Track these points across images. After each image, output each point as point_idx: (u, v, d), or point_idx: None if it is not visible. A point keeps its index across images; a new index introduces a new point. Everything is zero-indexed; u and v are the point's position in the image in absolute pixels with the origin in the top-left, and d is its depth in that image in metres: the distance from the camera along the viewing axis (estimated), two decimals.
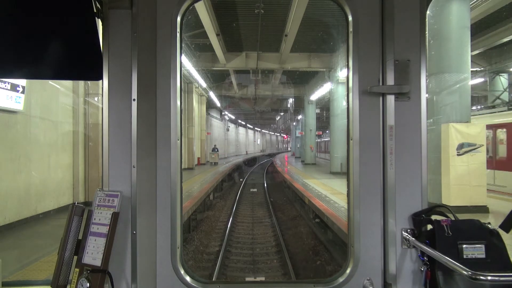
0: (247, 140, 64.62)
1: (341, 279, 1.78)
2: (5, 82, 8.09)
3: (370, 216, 1.77)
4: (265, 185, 21.87)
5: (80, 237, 1.65)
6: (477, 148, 8.97)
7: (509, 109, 14.18)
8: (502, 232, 1.54)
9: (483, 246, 1.53)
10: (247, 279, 7.37)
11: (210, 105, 33.31)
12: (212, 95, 28.35)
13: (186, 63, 16.62)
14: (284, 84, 26.98)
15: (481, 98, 24.54)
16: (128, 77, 1.74)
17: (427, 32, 1.92)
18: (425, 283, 1.62)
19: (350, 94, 1.80)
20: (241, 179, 24.98)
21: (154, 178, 1.80)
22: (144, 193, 1.77)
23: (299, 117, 38.48)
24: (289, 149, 70.34)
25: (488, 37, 16.01)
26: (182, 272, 1.81)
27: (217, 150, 30.09)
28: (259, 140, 76.30)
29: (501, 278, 1.23)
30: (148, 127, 1.79)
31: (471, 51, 11.79)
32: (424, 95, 1.75)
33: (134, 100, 1.74)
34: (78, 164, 10.99)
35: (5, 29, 1.46)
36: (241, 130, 59.14)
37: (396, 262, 1.73)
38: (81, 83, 10.86)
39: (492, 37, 15.92)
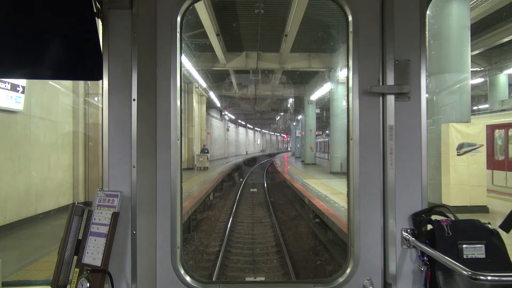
0: (247, 140, 64.60)
1: (341, 279, 1.78)
2: (5, 82, 8.09)
3: (370, 216, 1.77)
4: (265, 185, 21.88)
5: (80, 237, 1.64)
6: (477, 148, 8.98)
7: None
8: (502, 232, 1.54)
9: (483, 246, 1.53)
10: (247, 279, 7.37)
11: (210, 105, 33.28)
12: (212, 95, 28.33)
13: (186, 63, 16.62)
14: (284, 84, 26.95)
15: (481, 98, 24.53)
16: (128, 77, 1.74)
17: (427, 32, 1.92)
18: (425, 283, 1.62)
19: (350, 94, 1.80)
20: (241, 179, 24.97)
21: (154, 178, 1.80)
22: (144, 193, 1.77)
23: (299, 117, 38.48)
24: (289, 149, 70.35)
25: (488, 37, 16.02)
26: (182, 272, 1.81)
27: (207, 151, 24.64)
28: (259, 140, 76.27)
29: (501, 278, 1.23)
30: (148, 127, 1.79)
31: (471, 51, 11.79)
32: (424, 95, 1.75)
33: (134, 100, 1.74)
34: (78, 164, 10.99)
35: (5, 29, 1.46)
36: (241, 130, 59.12)
37: (396, 262, 1.73)
38: (81, 83, 10.86)
39: (492, 37, 15.93)
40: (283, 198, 17.57)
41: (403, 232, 1.73)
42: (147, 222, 1.79)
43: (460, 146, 8.94)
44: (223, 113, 41.10)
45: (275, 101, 34.56)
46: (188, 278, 1.81)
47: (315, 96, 26.63)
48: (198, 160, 23.64)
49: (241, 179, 24.96)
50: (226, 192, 19.88)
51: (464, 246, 1.54)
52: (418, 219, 1.70)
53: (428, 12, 1.90)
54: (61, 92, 10.74)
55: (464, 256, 1.53)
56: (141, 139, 1.76)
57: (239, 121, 53.52)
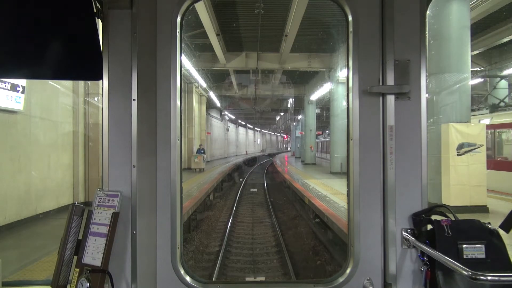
0: (247, 140, 64.61)
1: (341, 279, 1.78)
2: (5, 82, 8.09)
3: (370, 216, 1.77)
4: (265, 185, 21.87)
5: (80, 237, 1.65)
6: (477, 148, 8.98)
7: None
8: (502, 232, 1.54)
9: (483, 246, 1.53)
10: (247, 279, 7.37)
11: (210, 105, 33.28)
12: (212, 95, 28.34)
13: (186, 63, 16.61)
14: (284, 84, 26.94)
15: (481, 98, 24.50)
16: (128, 77, 1.74)
17: (427, 32, 1.92)
18: (425, 283, 1.62)
19: (350, 94, 1.80)
20: (241, 179, 24.97)
21: (154, 178, 1.80)
22: (144, 193, 1.77)
23: (299, 117, 38.48)
24: (289, 149, 70.35)
25: (488, 37, 16.01)
26: (182, 272, 1.81)
27: (204, 152, 22.98)
28: (259, 140, 76.29)
29: (501, 278, 1.23)
30: (148, 127, 1.79)
31: (471, 51, 11.78)
32: (424, 95, 1.75)
33: (134, 100, 1.74)
34: (78, 164, 11.00)
35: (5, 29, 1.46)
36: (241, 130, 59.12)
37: (396, 262, 1.73)
38: (81, 83, 10.86)
39: (492, 37, 15.92)
40: (283, 198, 17.56)
41: (403, 232, 1.73)
42: (147, 222, 1.79)
43: (460, 146, 8.94)
44: (223, 113, 41.10)
45: (275, 101, 34.56)
46: (188, 278, 1.81)
47: (315, 96, 26.62)
48: (194, 161, 22.39)
49: (241, 179, 24.96)
50: (226, 192, 19.87)
51: (464, 246, 1.54)
52: (418, 219, 1.70)
53: (428, 12, 1.90)
54: (61, 92, 10.74)
55: (464, 256, 1.53)
56: (141, 139, 1.76)
57: (239, 121, 53.53)
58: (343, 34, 1.92)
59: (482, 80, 18.74)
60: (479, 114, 14.85)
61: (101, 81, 1.71)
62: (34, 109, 9.23)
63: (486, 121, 13.68)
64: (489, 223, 1.58)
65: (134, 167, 1.74)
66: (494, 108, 14.60)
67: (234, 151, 50.02)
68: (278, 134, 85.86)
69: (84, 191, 11.13)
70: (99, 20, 1.70)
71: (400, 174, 1.75)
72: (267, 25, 15.09)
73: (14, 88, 8.34)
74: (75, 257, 1.62)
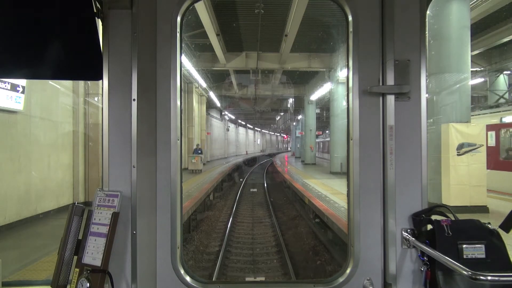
0: (247, 140, 64.60)
1: (341, 279, 1.78)
2: (5, 82, 8.09)
3: (370, 216, 1.77)
4: (265, 185, 21.87)
5: (80, 237, 1.65)
6: (477, 148, 8.98)
7: None
8: (502, 232, 1.54)
9: (483, 246, 1.54)
10: (247, 279, 7.37)
11: (210, 105, 33.28)
12: (212, 95, 28.34)
13: (186, 63, 16.61)
14: (284, 84, 26.93)
15: (481, 98, 24.50)
16: (128, 77, 1.74)
17: (427, 32, 1.92)
18: (425, 283, 1.62)
19: (350, 94, 1.81)
20: (241, 179, 24.97)
21: (154, 178, 1.80)
22: (144, 193, 1.77)
23: (299, 117, 38.47)
24: (289, 149, 70.33)
25: (488, 37, 16.00)
26: (182, 272, 1.81)
27: (201, 152, 22.08)
28: (259, 140, 76.28)
29: (501, 278, 1.23)
30: (148, 127, 1.79)
31: (471, 51, 11.76)
32: (424, 95, 1.75)
33: (134, 100, 1.74)
34: (78, 164, 11.00)
35: (5, 29, 1.46)
36: (241, 130, 59.11)
37: (396, 262, 1.73)
38: (81, 83, 10.87)
39: (492, 37, 15.91)
40: (283, 198, 17.56)
41: (403, 232, 1.73)
42: (147, 222, 1.79)
43: (460, 146, 8.94)
44: (223, 113, 41.10)
45: (275, 101, 34.55)
46: (188, 278, 1.81)
47: (315, 96, 26.61)
48: (191, 162, 21.28)
49: (241, 179, 24.96)
50: (226, 192, 19.87)
51: (464, 246, 1.54)
52: (418, 219, 1.70)
53: (428, 12, 1.90)
54: (61, 92, 10.74)
55: (464, 256, 1.53)
56: (141, 139, 1.76)
57: (239, 121, 53.52)
58: (343, 34, 1.92)
59: (498, 76, 18.29)
60: (499, 111, 13.95)
61: (101, 81, 1.71)
62: (34, 109, 9.23)
63: (510, 118, 13.03)
64: (489, 223, 1.58)
65: (134, 167, 1.74)
66: None
67: (234, 151, 50.02)
68: (278, 134, 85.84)
69: (84, 191, 11.13)
70: (99, 20, 1.70)
71: (400, 174, 1.75)
72: (267, 25, 15.09)
73: (14, 88, 8.34)
74: (75, 257, 1.62)
